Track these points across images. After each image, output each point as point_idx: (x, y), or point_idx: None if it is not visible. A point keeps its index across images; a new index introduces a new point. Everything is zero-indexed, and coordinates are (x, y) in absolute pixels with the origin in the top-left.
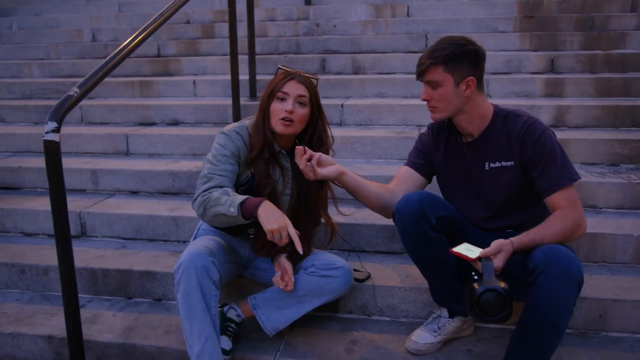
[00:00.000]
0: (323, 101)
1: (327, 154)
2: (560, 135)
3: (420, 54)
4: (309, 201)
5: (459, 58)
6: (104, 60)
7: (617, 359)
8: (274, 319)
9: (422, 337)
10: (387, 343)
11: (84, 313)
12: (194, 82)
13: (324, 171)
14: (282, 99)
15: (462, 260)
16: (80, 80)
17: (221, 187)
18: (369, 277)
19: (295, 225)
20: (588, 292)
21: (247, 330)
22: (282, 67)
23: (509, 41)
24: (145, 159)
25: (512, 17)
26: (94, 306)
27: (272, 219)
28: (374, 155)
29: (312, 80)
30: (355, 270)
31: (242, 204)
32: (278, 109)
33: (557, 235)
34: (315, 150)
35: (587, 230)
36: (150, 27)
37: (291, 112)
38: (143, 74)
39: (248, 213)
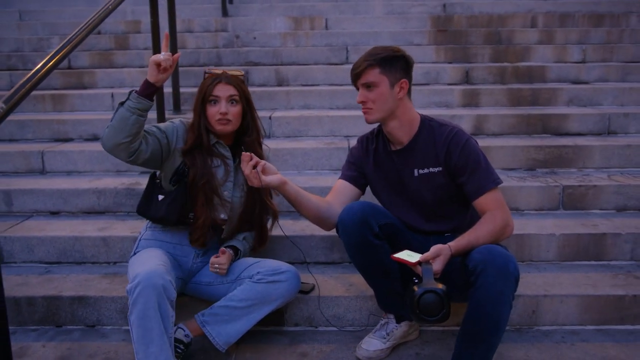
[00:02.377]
0: None
1: (260, 145)
2: (480, 142)
3: (342, 66)
4: (254, 201)
5: (393, 61)
6: (31, 73)
7: (551, 350)
8: (225, 333)
9: (372, 344)
10: (337, 353)
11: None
12: (112, 95)
13: (267, 179)
14: (215, 102)
15: (405, 266)
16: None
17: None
18: (313, 288)
19: (251, 213)
20: (521, 290)
21: (193, 351)
22: (208, 71)
23: (426, 54)
24: (64, 177)
25: (426, 31)
26: (20, 338)
27: (154, 68)
28: (305, 166)
29: (239, 77)
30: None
31: (131, 92)
32: (213, 112)
33: (489, 235)
34: (247, 140)
35: (514, 231)
36: (79, 36)
37: (225, 114)
38: (54, 87)
39: (143, 90)
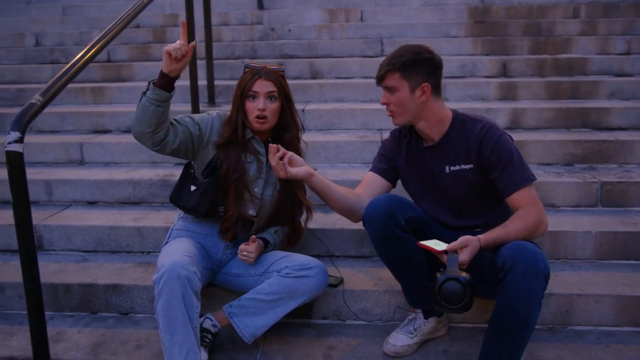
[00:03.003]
0: None
1: (298, 141)
2: (517, 137)
3: (377, 59)
4: (292, 187)
5: (414, 65)
6: (67, 66)
7: (584, 351)
8: (252, 325)
9: (399, 339)
10: (364, 347)
11: (47, 331)
12: None
13: (294, 170)
14: (254, 97)
15: (434, 258)
16: (32, 86)
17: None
18: (342, 282)
19: (281, 211)
20: (554, 288)
21: (222, 341)
22: (248, 65)
23: (462, 46)
24: (102, 168)
25: (463, 22)
26: (57, 323)
27: (169, 56)
28: (337, 159)
29: (279, 72)
30: (329, 275)
31: (151, 83)
32: (251, 107)
33: (521, 232)
34: (287, 137)
35: (548, 228)
36: (114, 30)
37: (263, 110)
38: (94, 80)
39: (158, 81)
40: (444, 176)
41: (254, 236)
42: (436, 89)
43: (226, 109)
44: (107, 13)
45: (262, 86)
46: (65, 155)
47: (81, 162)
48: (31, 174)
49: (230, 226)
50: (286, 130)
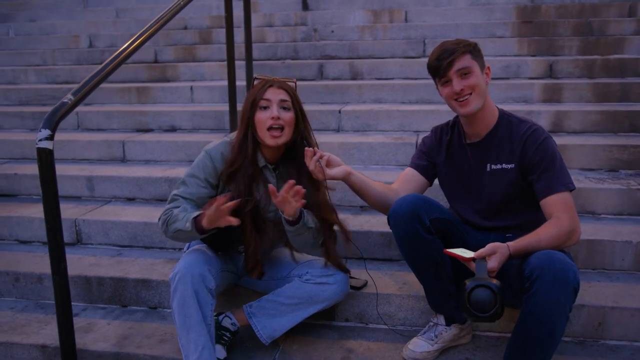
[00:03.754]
0: (320, 107)
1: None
2: (558, 140)
3: (418, 60)
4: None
5: (475, 48)
6: (99, 67)
7: None
8: (270, 327)
9: (419, 345)
10: (384, 352)
11: (78, 322)
12: (191, 88)
13: (332, 172)
14: (266, 107)
15: (460, 264)
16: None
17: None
18: (365, 284)
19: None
20: (586, 299)
21: (242, 339)
22: (258, 77)
23: (508, 46)
24: (141, 166)
25: (511, 22)
26: (89, 314)
27: (211, 222)
28: (371, 161)
29: (290, 84)
30: (352, 277)
31: (195, 218)
32: (263, 118)
33: (552, 240)
34: (301, 156)
35: (585, 236)
36: (146, 34)
37: (278, 118)
38: (140, 80)
39: (199, 226)
40: (484, 174)
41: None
42: None
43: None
44: (157, 15)
45: (275, 94)
46: (109, 152)
47: (123, 160)
48: (75, 170)
49: (255, 264)
50: (302, 145)
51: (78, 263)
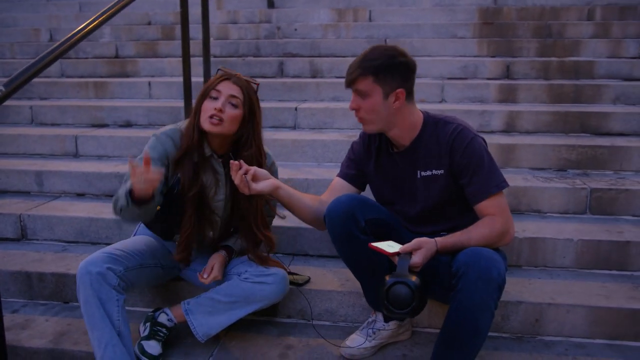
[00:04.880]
0: (278, 104)
1: (260, 164)
2: (509, 140)
3: None
4: (243, 214)
5: (389, 70)
6: (35, 60)
7: None
8: (206, 324)
9: (356, 341)
10: (323, 348)
11: (16, 318)
12: (149, 83)
13: (259, 186)
14: (215, 98)
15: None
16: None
17: None
18: (308, 281)
19: (228, 234)
20: (525, 296)
21: (181, 335)
22: (222, 69)
23: (468, 47)
24: (94, 161)
25: (472, 23)
26: (28, 311)
27: (138, 187)
28: (324, 158)
29: (251, 84)
30: (294, 274)
31: (130, 190)
32: (208, 107)
33: (484, 239)
34: (246, 154)
35: (529, 234)
36: (90, 22)
37: (220, 111)
38: (99, 74)
39: (134, 196)
40: (416, 181)
41: (215, 255)
42: (410, 94)
43: None
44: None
45: (227, 88)
46: (61, 147)
47: (76, 155)
48: (25, 164)
49: (184, 248)
50: (245, 146)
51: (21, 259)
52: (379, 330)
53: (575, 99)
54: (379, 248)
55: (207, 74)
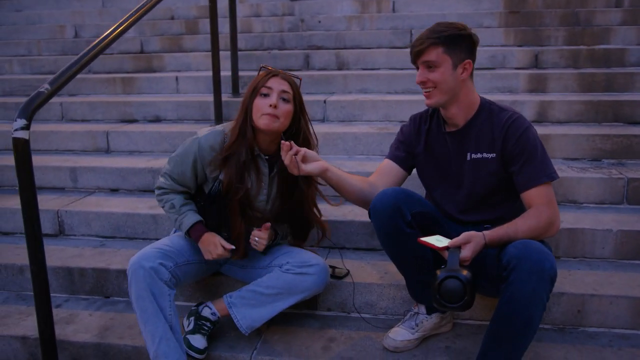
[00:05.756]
0: (306, 97)
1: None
2: (542, 130)
3: (404, 50)
4: (294, 206)
5: (458, 40)
6: (78, 56)
7: (595, 354)
8: (249, 317)
9: (399, 334)
10: (365, 340)
11: (60, 313)
12: (177, 78)
13: (308, 167)
14: (266, 95)
15: (439, 255)
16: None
17: (173, 192)
18: (347, 274)
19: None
20: (567, 287)
21: (224, 329)
22: (264, 66)
23: (494, 36)
24: (125, 157)
25: (498, 13)
26: (71, 306)
27: (208, 252)
28: (355, 151)
29: (295, 79)
30: (334, 267)
31: (188, 233)
32: (261, 104)
33: (530, 231)
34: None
35: (566, 225)
36: (127, 22)
37: (275, 107)
38: (125, 70)
39: (193, 235)
40: (465, 163)
41: (268, 223)
42: (472, 70)
43: None
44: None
45: (277, 84)
46: (93, 143)
47: (107, 151)
48: (59, 161)
49: (238, 247)
50: (305, 145)
51: (60, 254)
52: (422, 322)
53: (606, 88)
54: (428, 243)
55: (234, 68)
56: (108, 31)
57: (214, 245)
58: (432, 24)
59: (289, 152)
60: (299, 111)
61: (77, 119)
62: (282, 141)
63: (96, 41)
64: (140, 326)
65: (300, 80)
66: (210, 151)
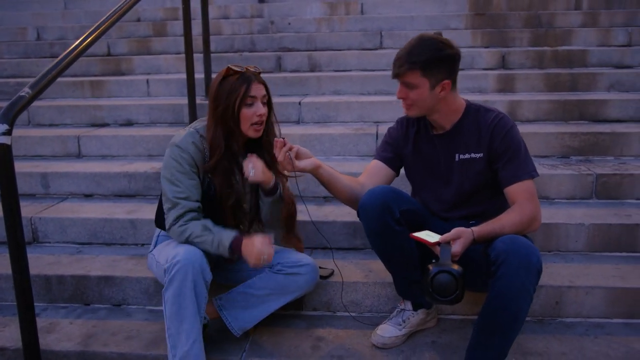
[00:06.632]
0: (280, 99)
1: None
2: None
3: (375, 52)
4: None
5: (436, 63)
6: (57, 59)
7: (574, 343)
8: (241, 319)
9: (387, 330)
10: (353, 338)
11: (39, 322)
12: (147, 81)
13: (302, 164)
14: (251, 104)
15: (426, 250)
16: (31, 80)
17: (191, 211)
18: (332, 273)
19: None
20: (545, 280)
21: (211, 332)
22: (232, 67)
23: (462, 38)
24: (98, 161)
25: (464, 15)
26: (50, 314)
27: (252, 256)
28: (332, 152)
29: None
30: (319, 267)
31: (231, 247)
32: (249, 114)
33: (515, 226)
34: (265, 141)
35: (542, 220)
36: (106, 24)
37: (263, 115)
38: (93, 73)
39: (235, 255)
40: (454, 164)
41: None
42: (454, 83)
43: None
44: (109, 7)
45: (258, 90)
46: (63, 148)
47: (78, 155)
48: (28, 167)
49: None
50: (268, 133)
51: (36, 262)
52: (409, 318)
53: (571, 87)
54: (420, 238)
55: (208, 71)
56: (85, 34)
57: (260, 249)
58: (401, 26)
59: (283, 149)
60: (270, 108)
61: (45, 124)
62: (276, 138)
63: (74, 44)
64: (170, 323)
65: (260, 73)
66: (194, 147)
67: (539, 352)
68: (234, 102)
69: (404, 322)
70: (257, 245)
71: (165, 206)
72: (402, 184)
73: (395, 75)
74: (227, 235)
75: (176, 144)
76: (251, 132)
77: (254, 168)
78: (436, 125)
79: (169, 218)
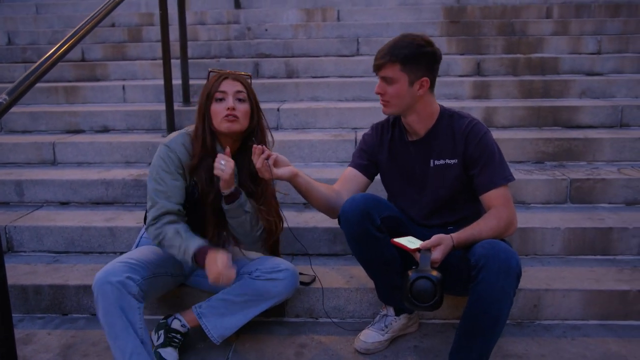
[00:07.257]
0: None
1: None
2: None
3: (352, 58)
4: (260, 198)
5: (416, 59)
6: (35, 65)
7: (552, 345)
8: (220, 326)
9: (370, 336)
10: (336, 344)
11: (16, 333)
12: (124, 87)
13: (279, 171)
14: (221, 99)
15: (407, 256)
16: (4, 86)
17: (169, 214)
18: (314, 280)
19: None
20: (523, 283)
21: (193, 340)
22: (213, 70)
23: (438, 45)
24: (74, 168)
25: (439, 22)
26: (26, 325)
27: (212, 273)
28: (312, 158)
29: (245, 77)
30: (301, 273)
31: (195, 257)
32: (219, 109)
33: (492, 231)
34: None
35: (518, 225)
36: (83, 30)
37: (233, 109)
38: (67, 79)
39: (200, 265)
40: (428, 170)
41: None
42: (433, 85)
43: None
44: (81, 11)
45: (231, 86)
46: (38, 155)
47: (54, 163)
48: (1, 174)
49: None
50: (256, 137)
51: (11, 272)
52: (391, 323)
53: (544, 94)
54: (401, 244)
55: (185, 77)
56: (67, 36)
57: (221, 265)
58: (377, 33)
59: (261, 156)
60: (256, 108)
61: (18, 130)
62: (254, 145)
63: (53, 49)
64: (109, 342)
65: (251, 77)
66: (182, 148)
67: (518, 355)
68: (205, 98)
69: (387, 327)
70: (219, 265)
71: (147, 204)
72: (378, 191)
73: (376, 68)
74: (193, 244)
75: (165, 144)
76: (222, 127)
77: (226, 164)
78: (411, 130)
79: (148, 217)
